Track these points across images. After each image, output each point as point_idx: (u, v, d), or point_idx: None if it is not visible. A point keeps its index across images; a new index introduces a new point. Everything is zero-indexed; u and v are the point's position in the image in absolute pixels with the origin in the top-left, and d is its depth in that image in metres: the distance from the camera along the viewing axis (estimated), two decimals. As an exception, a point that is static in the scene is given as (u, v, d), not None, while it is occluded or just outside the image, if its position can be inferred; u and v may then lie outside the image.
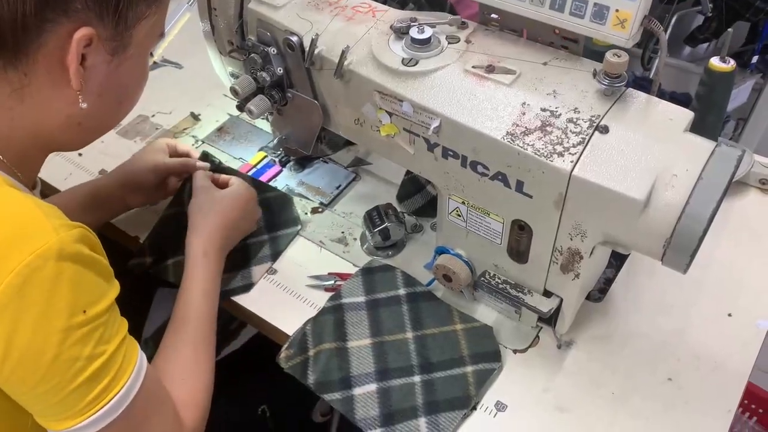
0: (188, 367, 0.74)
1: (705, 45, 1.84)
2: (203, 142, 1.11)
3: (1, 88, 0.60)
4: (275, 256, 0.93)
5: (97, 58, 0.61)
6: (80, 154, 1.08)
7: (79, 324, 0.56)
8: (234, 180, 0.92)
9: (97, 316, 0.58)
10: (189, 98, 1.18)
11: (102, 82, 0.63)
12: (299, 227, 0.96)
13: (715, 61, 0.89)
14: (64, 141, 0.67)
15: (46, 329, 0.55)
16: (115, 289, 0.62)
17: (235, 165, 1.06)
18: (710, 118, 0.92)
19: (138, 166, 0.95)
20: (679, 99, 1.60)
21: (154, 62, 1.24)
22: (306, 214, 0.99)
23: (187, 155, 0.99)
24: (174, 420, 0.68)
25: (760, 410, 1.32)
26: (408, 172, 1.00)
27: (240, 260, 0.91)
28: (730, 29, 0.92)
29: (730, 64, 0.88)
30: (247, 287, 0.89)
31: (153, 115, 1.16)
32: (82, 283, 0.57)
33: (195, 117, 1.16)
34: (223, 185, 0.92)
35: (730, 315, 0.85)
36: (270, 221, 0.96)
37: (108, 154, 1.08)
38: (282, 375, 0.81)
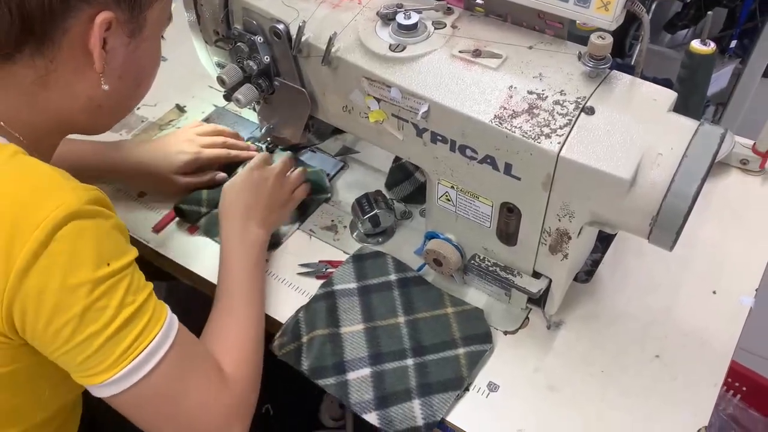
0: (230, 330, 0.76)
1: (684, 31, 1.87)
2: (190, 134, 1.10)
3: (25, 75, 0.62)
4: (303, 217, 0.97)
5: (116, 41, 0.64)
6: (66, 148, 1.07)
7: (105, 276, 0.58)
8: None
9: (121, 268, 0.60)
10: (173, 90, 1.18)
11: (122, 64, 0.66)
12: (329, 195, 1.00)
13: (696, 44, 0.91)
14: (84, 124, 0.70)
15: (73, 282, 0.57)
16: (134, 250, 0.64)
17: (222, 156, 1.06)
18: (692, 100, 0.93)
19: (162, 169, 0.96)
20: (661, 83, 1.62)
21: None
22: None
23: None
24: (216, 377, 0.69)
25: (744, 388, 1.34)
26: (396, 160, 1.00)
27: None
28: (710, 12, 0.94)
29: (711, 47, 0.90)
30: (275, 245, 0.94)
31: (138, 108, 1.15)
32: (103, 238, 0.59)
33: (180, 109, 1.15)
34: None
35: (714, 292, 0.87)
36: None
37: (94, 147, 1.08)
38: (285, 373, 0.81)
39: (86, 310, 0.57)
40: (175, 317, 0.66)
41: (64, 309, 0.57)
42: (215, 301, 0.80)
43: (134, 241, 0.94)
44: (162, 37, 0.72)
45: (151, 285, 0.64)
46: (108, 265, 0.59)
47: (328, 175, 1.03)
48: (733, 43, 1.74)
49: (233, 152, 1.01)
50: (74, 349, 0.59)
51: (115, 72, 0.66)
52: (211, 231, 0.94)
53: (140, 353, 0.60)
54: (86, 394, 0.78)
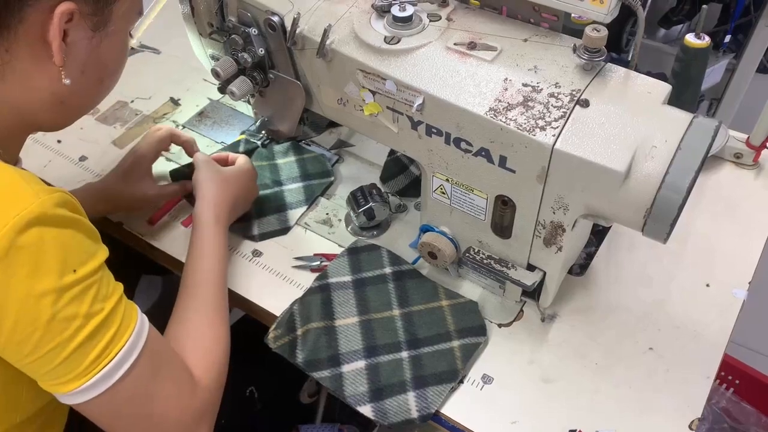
0: (201, 331, 0.73)
1: (678, 27, 1.87)
2: (184, 127, 1.10)
3: None
4: (310, 200, 0.97)
5: (78, 33, 0.61)
6: (59, 141, 1.07)
7: (70, 284, 0.56)
8: (238, 157, 0.93)
9: (88, 275, 0.58)
10: (168, 83, 1.18)
11: (84, 58, 0.64)
12: (332, 178, 1.00)
13: (690, 38, 0.91)
14: (46, 120, 0.67)
15: (36, 291, 0.55)
16: (103, 251, 0.62)
17: (216, 149, 1.06)
18: (687, 93, 0.93)
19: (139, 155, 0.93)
20: (655, 78, 1.63)
21: (132, 48, 1.23)
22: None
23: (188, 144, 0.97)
24: (186, 382, 0.67)
25: (737, 381, 1.35)
26: (391, 153, 1.00)
27: (275, 205, 0.96)
28: (705, 6, 0.94)
29: (705, 40, 0.90)
30: (285, 230, 0.94)
31: (132, 101, 1.15)
32: (68, 244, 0.57)
33: (175, 102, 1.15)
34: (224, 164, 0.93)
35: (707, 285, 0.87)
36: (304, 174, 1.01)
37: (87, 140, 1.08)
38: (269, 357, 0.82)
39: (51, 320, 0.55)
40: (145, 320, 0.64)
41: (28, 319, 0.55)
42: (186, 292, 0.76)
43: (128, 234, 0.94)
44: (129, 34, 0.69)
45: (121, 287, 0.62)
46: (74, 271, 0.57)
47: (329, 160, 1.03)
48: (727, 38, 1.74)
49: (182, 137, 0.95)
50: (40, 359, 0.57)
51: (77, 66, 0.63)
52: None
53: (109, 362, 0.59)
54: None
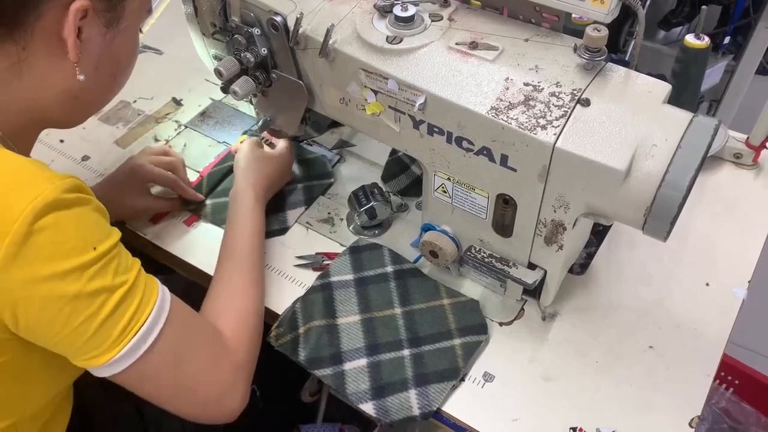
0: (233, 294, 0.78)
1: (678, 28, 1.87)
2: (186, 127, 1.11)
3: None
4: (309, 201, 0.99)
5: (92, 30, 0.63)
6: (62, 141, 1.08)
7: (92, 260, 0.58)
8: (280, 142, 0.98)
9: (107, 251, 0.60)
10: (170, 83, 1.18)
11: (98, 54, 0.65)
12: (333, 180, 1.01)
13: (690, 38, 0.92)
14: (60, 116, 0.69)
15: (61, 270, 0.56)
16: (116, 230, 0.64)
17: (219, 148, 1.07)
18: (686, 94, 0.94)
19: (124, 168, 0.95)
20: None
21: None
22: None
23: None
24: (217, 343, 0.70)
25: (737, 381, 1.35)
26: (392, 153, 1.01)
27: (274, 205, 0.97)
28: (704, 7, 0.94)
29: (705, 41, 0.91)
30: (283, 230, 0.95)
31: (134, 101, 1.15)
32: (85, 223, 0.59)
33: (177, 102, 1.15)
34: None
35: (707, 284, 0.88)
36: (305, 174, 1.03)
37: (90, 140, 1.08)
38: (271, 356, 0.82)
39: (78, 295, 0.57)
40: (166, 290, 0.66)
41: (55, 297, 0.57)
42: (220, 260, 0.82)
43: (131, 233, 0.95)
44: (140, 30, 0.71)
45: (138, 261, 0.65)
46: (94, 249, 0.59)
47: (330, 161, 1.04)
48: (727, 40, 1.75)
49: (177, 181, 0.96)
50: (71, 335, 0.59)
51: (90, 62, 0.65)
52: (216, 218, 0.95)
53: (138, 330, 0.61)
54: (78, 388, 0.78)
